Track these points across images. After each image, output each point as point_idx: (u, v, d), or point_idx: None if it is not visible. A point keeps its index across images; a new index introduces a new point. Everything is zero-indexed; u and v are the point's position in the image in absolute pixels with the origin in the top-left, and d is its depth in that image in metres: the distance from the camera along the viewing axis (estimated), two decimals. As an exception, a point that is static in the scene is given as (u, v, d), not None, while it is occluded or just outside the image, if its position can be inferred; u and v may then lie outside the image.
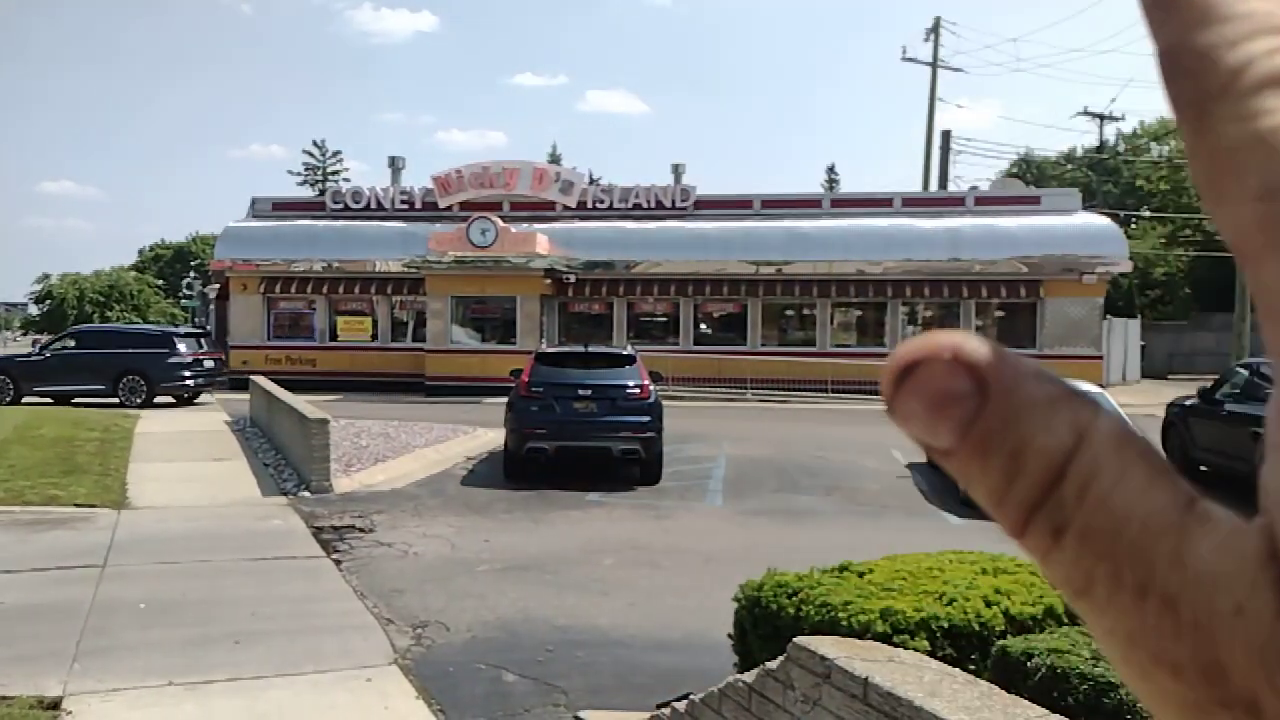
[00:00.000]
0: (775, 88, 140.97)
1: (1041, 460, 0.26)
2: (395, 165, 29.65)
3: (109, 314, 49.11)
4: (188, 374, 22.35)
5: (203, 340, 24.29)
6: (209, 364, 23.21)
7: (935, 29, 38.61)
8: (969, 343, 0.28)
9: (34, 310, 59.89)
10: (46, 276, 54.49)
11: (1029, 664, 3.49)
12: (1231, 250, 0.25)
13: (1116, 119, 44.75)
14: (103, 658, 6.18)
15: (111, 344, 22.48)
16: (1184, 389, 17.70)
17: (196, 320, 58.11)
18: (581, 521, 10.70)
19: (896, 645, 3.75)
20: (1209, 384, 14.27)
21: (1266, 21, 0.25)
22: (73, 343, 22.92)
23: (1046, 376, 0.27)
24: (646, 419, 12.77)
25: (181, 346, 22.53)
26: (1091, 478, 0.26)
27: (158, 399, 22.01)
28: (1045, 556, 0.27)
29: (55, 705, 5.44)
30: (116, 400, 21.69)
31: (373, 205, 28.43)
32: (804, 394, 24.48)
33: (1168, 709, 0.26)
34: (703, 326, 27.34)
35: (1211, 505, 0.26)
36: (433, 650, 6.58)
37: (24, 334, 67.13)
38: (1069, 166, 49.91)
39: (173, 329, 24.25)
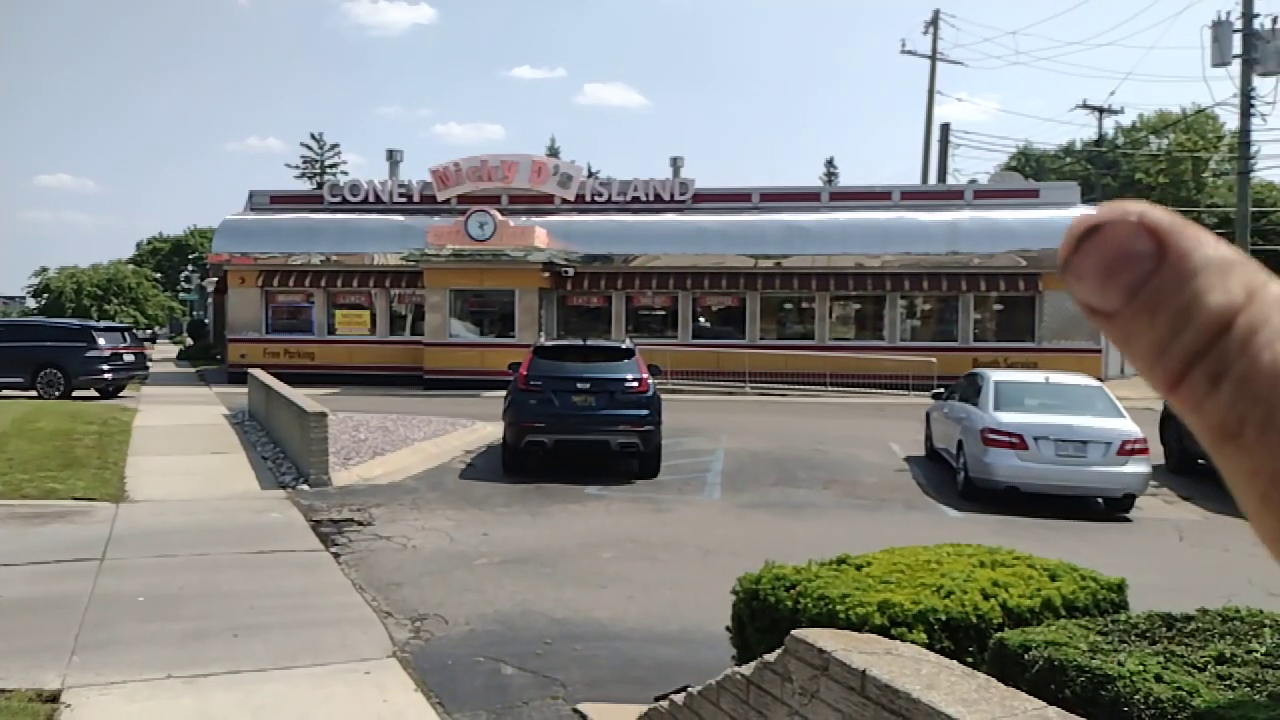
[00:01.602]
0: (774, 81, 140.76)
1: (1211, 314, 0.29)
2: (393, 158, 29.60)
3: (106, 308, 49.04)
4: (106, 368, 22.55)
5: (127, 335, 24.51)
6: (129, 358, 23.39)
7: (934, 22, 38.55)
8: (1153, 209, 0.30)
9: (31, 304, 59.81)
10: (44, 270, 54.35)
11: (1026, 656, 3.49)
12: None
13: (1115, 112, 44.65)
14: (101, 651, 6.18)
15: (31, 338, 22.69)
16: (1182, 382, 17.68)
17: (195, 313, 58.07)
18: (580, 515, 10.71)
19: (894, 638, 3.76)
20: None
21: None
22: None
23: (1223, 243, 0.30)
24: (645, 412, 12.77)
25: (101, 341, 22.72)
26: (1256, 330, 0.28)
27: (76, 392, 22.14)
28: (1199, 405, 0.29)
29: (54, 698, 5.45)
30: (35, 394, 21.81)
31: (371, 198, 28.39)
32: (802, 387, 24.49)
33: None
34: (701, 320, 27.34)
35: None
36: (431, 643, 6.59)
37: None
38: (1068, 160, 49.87)
39: (92, 324, 24.53)
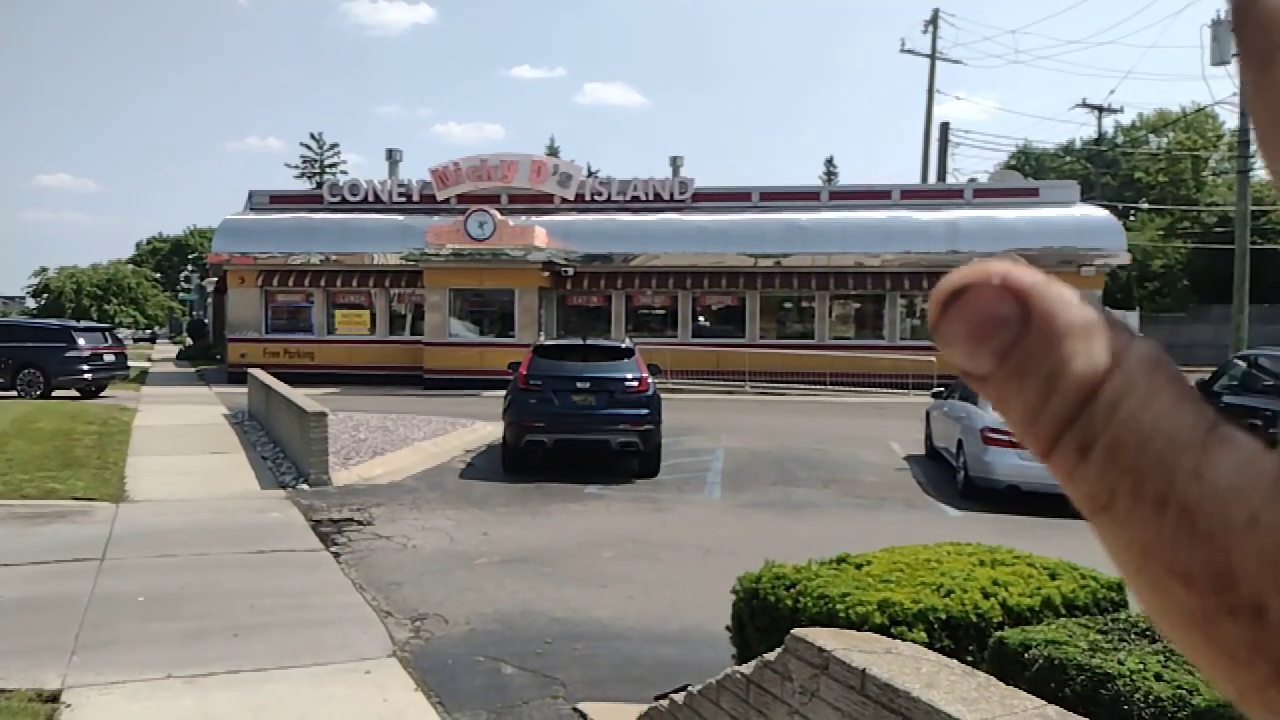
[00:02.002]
0: (774, 80, 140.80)
1: (1077, 380, 0.28)
2: (393, 158, 29.60)
3: (106, 307, 49.07)
4: (86, 368, 22.67)
5: (108, 335, 24.69)
6: (109, 358, 23.52)
7: (934, 21, 38.54)
8: (1016, 269, 0.29)
9: (31, 304, 59.84)
10: (44, 270, 54.37)
11: (1026, 655, 3.49)
12: None
13: (1115, 111, 44.67)
14: (102, 651, 6.18)
15: (10, 338, 22.77)
16: (1182, 381, 17.69)
17: (195, 313, 58.04)
18: (580, 514, 10.71)
19: (894, 637, 3.76)
20: (1207, 376, 14.29)
21: None
22: None
23: (1087, 304, 0.28)
24: (645, 412, 12.77)
25: (81, 341, 22.85)
26: (1122, 396, 0.27)
27: (56, 392, 22.24)
28: (1071, 473, 0.28)
29: (54, 698, 5.45)
30: (15, 394, 21.87)
31: (370, 198, 28.39)
32: (802, 386, 24.49)
33: (1176, 620, 0.27)
34: (701, 319, 27.34)
35: (1233, 429, 0.27)
36: (431, 643, 6.59)
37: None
38: (1067, 158, 49.87)
39: (72, 324, 24.73)
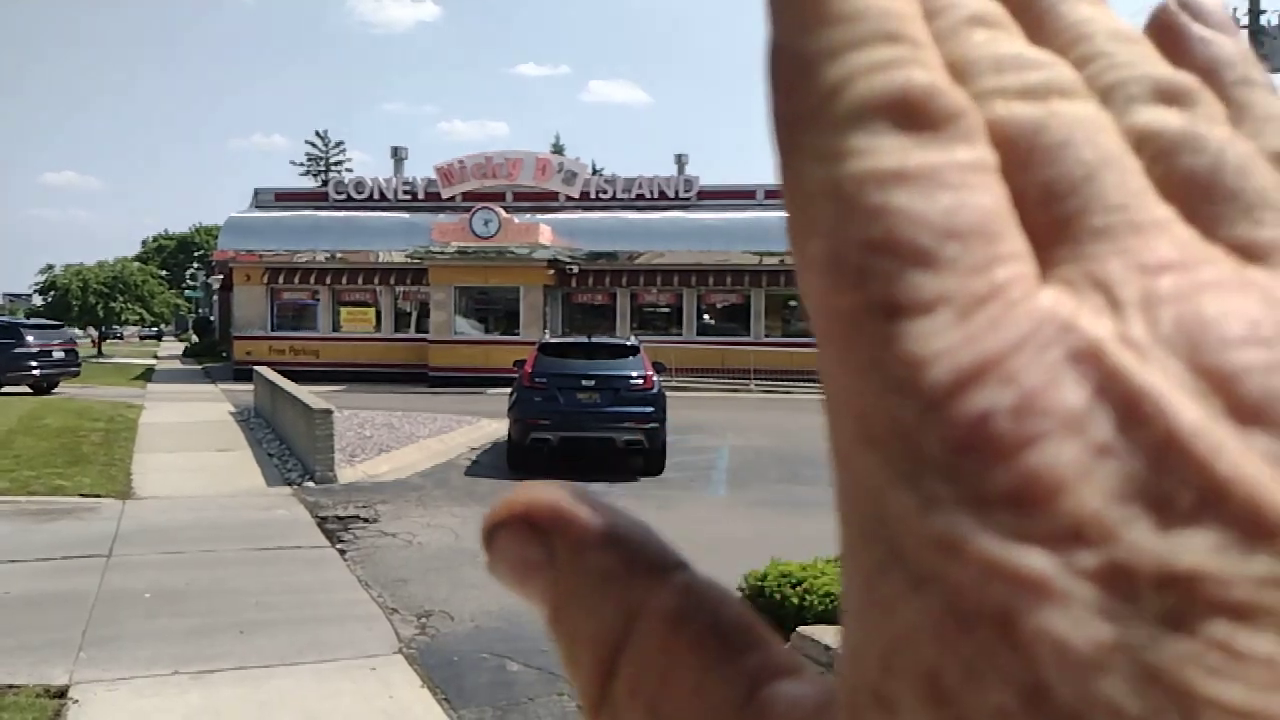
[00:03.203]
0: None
1: (590, 651, 0.22)
2: (398, 156, 29.64)
3: (112, 305, 49.16)
4: (34, 364, 22.89)
5: (59, 333, 24.99)
6: (59, 355, 23.71)
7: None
8: (543, 499, 0.24)
9: (38, 301, 59.99)
10: (50, 267, 54.44)
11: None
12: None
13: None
14: (108, 647, 6.20)
15: None
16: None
17: (201, 311, 58.20)
18: (585, 512, 10.71)
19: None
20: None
21: (880, 25, 0.18)
22: None
23: (616, 539, 0.23)
24: (650, 409, 12.77)
25: (30, 338, 23.10)
26: (641, 674, 0.21)
27: (5, 388, 22.42)
28: None
29: (62, 694, 5.47)
30: None
31: (376, 196, 28.43)
32: (807, 385, 24.49)
33: None
34: (706, 317, 27.34)
35: (778, 689, 0.21)
36: (437, 640, 6.60)
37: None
38: (1073, 156, 49.90)
39: (21, 321, 25.01)
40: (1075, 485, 0.15)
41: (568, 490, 0.24)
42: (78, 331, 40.56)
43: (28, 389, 22.66)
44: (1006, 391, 0.15)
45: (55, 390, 23.25)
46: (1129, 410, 0.15)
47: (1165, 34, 0.22)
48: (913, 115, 0.17)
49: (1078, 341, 0.16)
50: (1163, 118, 0.19)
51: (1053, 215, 0.17)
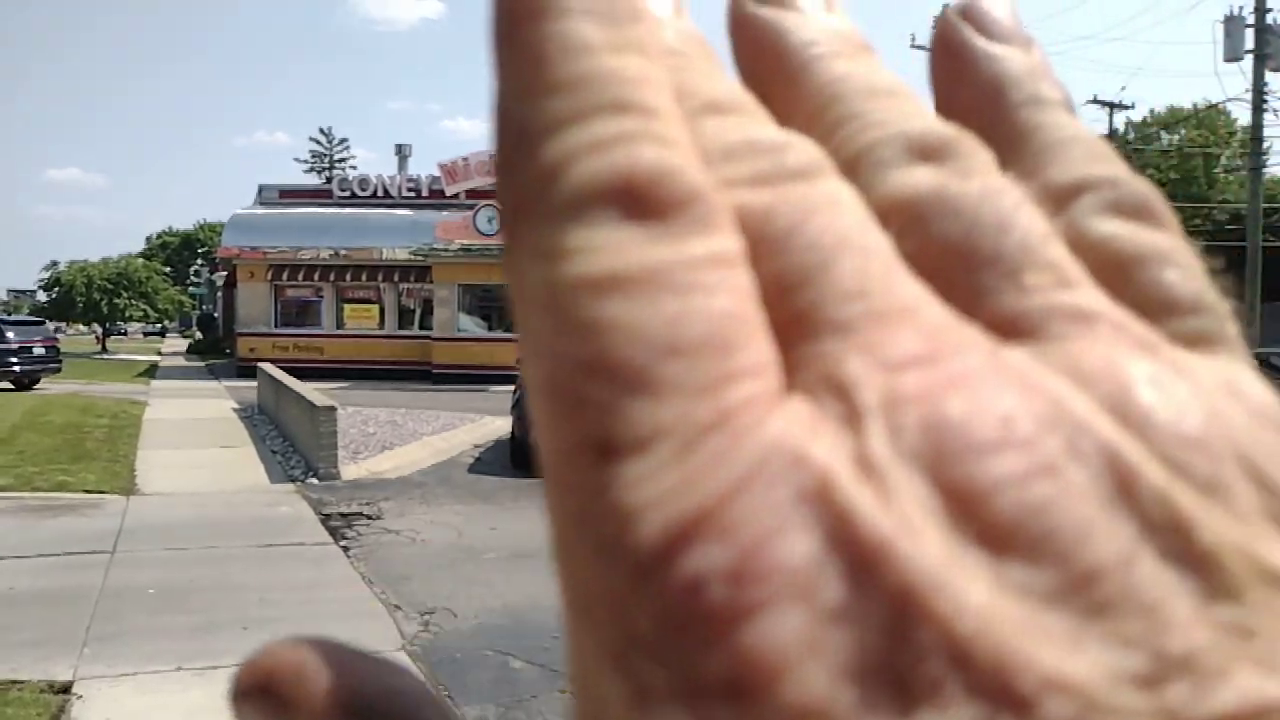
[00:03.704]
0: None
1: None
2: (402, 153, 29.68)
3: (117, 301, 49.24)
4: (14, 360, 22.92)
5: (39, 329, 25.03)
6: (39, 351, 23.77)
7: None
8: (286, 665, 0.22)
9: (42, 297, 60.05)
10: (54, 264, 54.53)
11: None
12: None
13: (1126, 107, 44.44)
14: (112, 643, 6.22)
15: None
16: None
17: (205, 307, 58.25)
18: (588, 509, 10.71)
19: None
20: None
21: (605, 92, 0.15)
22: None
23: (358, 712, 0.22)
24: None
25: (10, 334, 23.12)
26: None
27: None
28: None
29: (65, 689, 5.49)
30: None
31: (380, 193, 28.44)
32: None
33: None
34: (709, 315, 27.36)
35: None
36: (440, 637, 6.61)
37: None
38: (1078, 155, 49.63)
39: (2, 317, 25.01)
40: (799, 666, 0.12)
41: (320, 650, 0.22)
42: (81, 328, 40.69)
43: (9, 385, 22.66)
44: (723, 550, 0.12)
45: (37, 387, 23.29)
46: (861, 562, 0.12)
47: (946, 51, 0.20)
48: (639, 202, 0.14)
49: (807, 477, 0.13)
50: (914, 180, 0.16)
51: (790, 310, 0.14)
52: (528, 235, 0.15)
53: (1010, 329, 0.15)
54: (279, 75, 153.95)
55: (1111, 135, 45.97)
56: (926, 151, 0.16)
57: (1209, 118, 45.02)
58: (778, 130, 0.16)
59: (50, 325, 29.68)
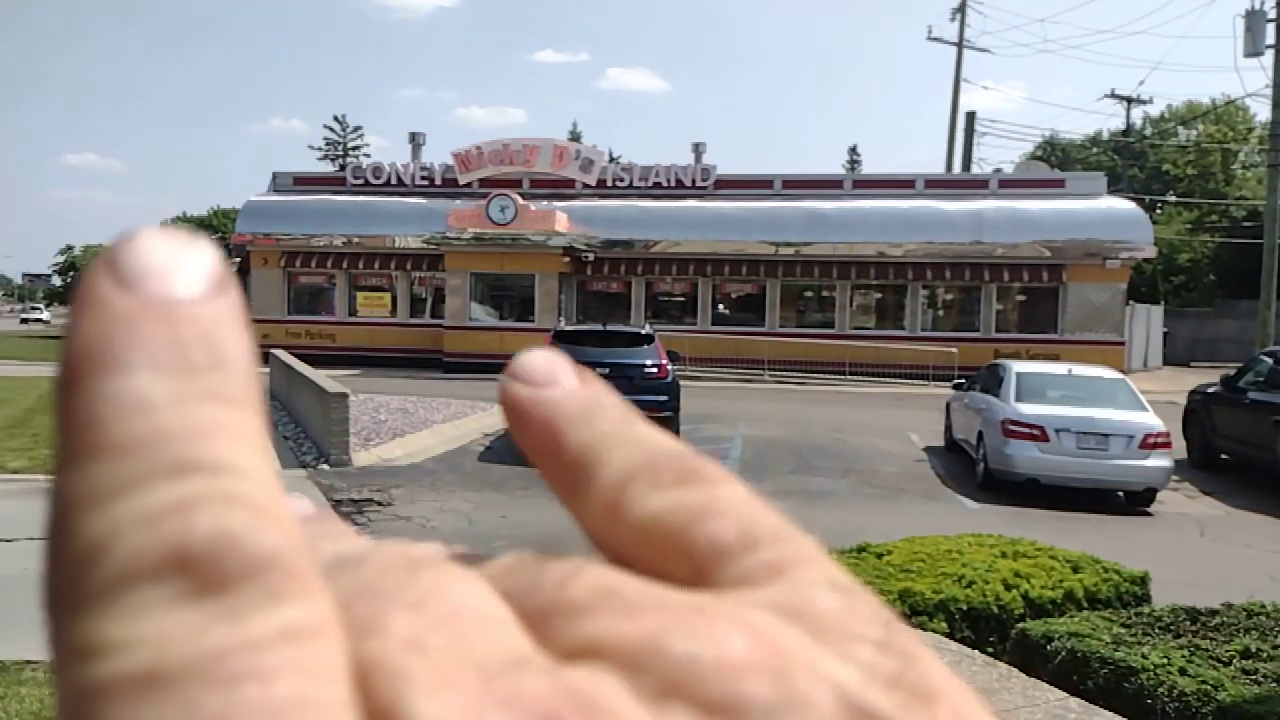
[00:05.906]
0: (798, 67, 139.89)
1: None
2: (415, 141, 29.64)
3: (131, 286, 49.53)
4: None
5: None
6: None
7: (961, 9, 38.19)
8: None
9: (57, 281, 60.40)
10: (70, 248, 54.84)
11: (1049, 647, 3.48)
12: None
13: (1144, 102, 44.21)
14: (125, 625, 6.27)
15: None
16: (1206, 376, 17.54)
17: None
18: (598, 499, 10.72)
19: (915, 627, 3.75)
20: (1232, 371, 14.16)
21: (165, 453, 0.13)
22: None
23: None
24: (664, 398, 12.77)
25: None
26: None
27: None
28: None
29: (79, 670, 5.53)
30: None
31: (393, 181, 28.46)
32: (821, 376, 24.42)
33: None
34: (721, 307, 27.29)
35: None
36: (450, 624, 6.64)
37: (47, 304, 68.07)
38: (1094, 150, 49.39)
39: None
40: None
41: None
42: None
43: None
44: None
45: None
46: None
47: (513, 413, 0.22)
48: (195, 578, 0.12)
49: None
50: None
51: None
52: (64, 632, 0.13)
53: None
54: (294, 63, 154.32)
55: (1129, 130, 45.67)
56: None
57: (1227, 113, 44.66)
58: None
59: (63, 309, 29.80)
